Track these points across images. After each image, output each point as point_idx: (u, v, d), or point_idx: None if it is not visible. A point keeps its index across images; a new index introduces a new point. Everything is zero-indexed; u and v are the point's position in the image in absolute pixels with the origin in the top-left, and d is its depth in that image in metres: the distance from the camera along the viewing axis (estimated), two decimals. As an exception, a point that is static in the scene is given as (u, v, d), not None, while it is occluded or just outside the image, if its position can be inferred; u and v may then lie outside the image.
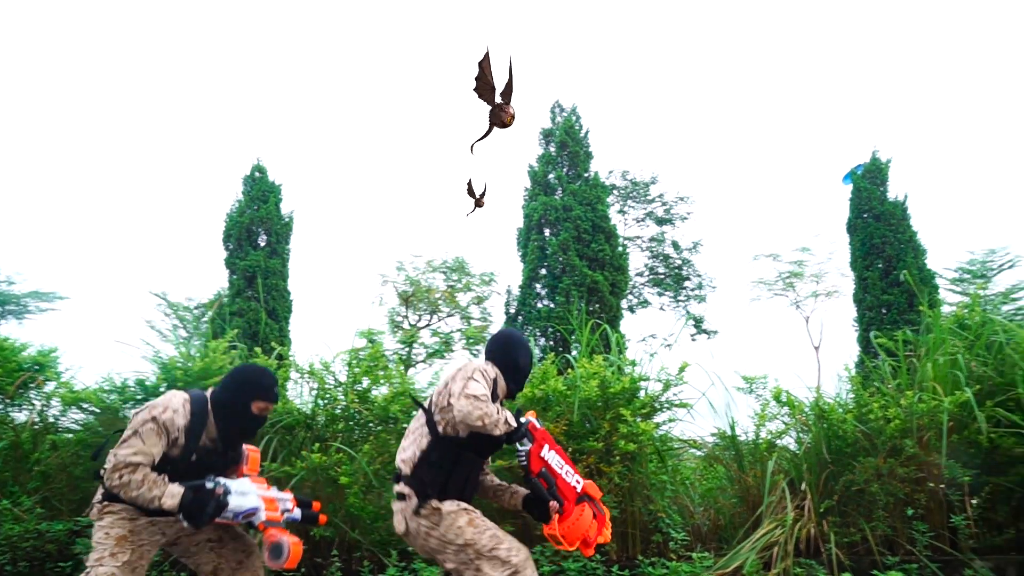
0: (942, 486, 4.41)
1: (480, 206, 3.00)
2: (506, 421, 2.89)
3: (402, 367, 5.46)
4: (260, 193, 13.88)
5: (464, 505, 2.95)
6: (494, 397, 3.07)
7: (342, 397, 4.85)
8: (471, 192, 2.96)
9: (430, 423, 3.03)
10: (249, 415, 2.97)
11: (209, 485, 2.76)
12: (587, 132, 15.69)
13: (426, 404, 3.11)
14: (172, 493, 2.71)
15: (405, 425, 4.70)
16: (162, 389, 4.73)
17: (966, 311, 5.27)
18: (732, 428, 4.93)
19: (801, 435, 4.88)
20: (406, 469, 3.01)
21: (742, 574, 3.96)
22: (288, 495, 3.06)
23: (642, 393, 4.68)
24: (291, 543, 2.84)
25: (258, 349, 5.25)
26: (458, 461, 3.00)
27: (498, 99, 2.42)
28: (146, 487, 2.70)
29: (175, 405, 2.84)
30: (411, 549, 4.35)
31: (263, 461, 4.30)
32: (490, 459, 3.32)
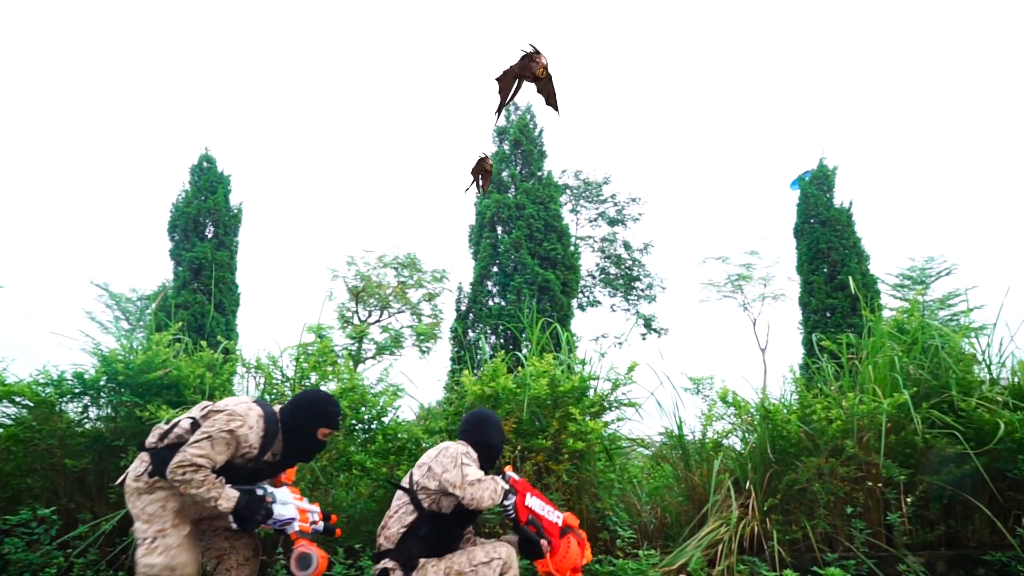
0: (880, 485, 4.53)
1: (481, 187, 2.99)
2: (501, 487, 3.26)
3: (351, 363, 5.37)
4: (208, 183, 13.56)
5: (453, 569, 3.20)
6: None
7: (289, 392, 4.76)
8: (480, 169, 2.92)
9: (415, 501, 3.30)
10: (314, 440, 3.21)
11: (259, 492, 2.99)
12: (541, 131, 15.73)
13: (404, 484, 3.40)
14: (228, 496, 2.91)
15: (353, 422, 4.66)
16: (102, 382, 4.58)
17: (905, 316, 5.42)
18: (679, 428, 4.99)
19: (746, 435, 4.95)
20: (389, 545, 3.27)
21: (687, 571, 4.00)
22: (316, 507, 3.28)
23: (591, 392, 4.69)
24: (319, 556, 3.05)
25: (204, 343, 5.11)
26: (444, 535, 3.29)
27: (528, 49, 2.39)
28: (205, 487, 2.87)
29: (251, 421, 3.02)
30: (357, 545, 4.30)
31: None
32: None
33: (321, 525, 3.24)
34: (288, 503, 3.12)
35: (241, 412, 3.01)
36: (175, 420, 3.13)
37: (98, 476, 4.60)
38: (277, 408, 3.22)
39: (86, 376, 4.58)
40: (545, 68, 2.38)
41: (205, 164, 13.78)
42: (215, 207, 13.34)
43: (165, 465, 2.93)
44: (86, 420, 4.81)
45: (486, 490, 3.17)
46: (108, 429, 4.68)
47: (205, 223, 13.38)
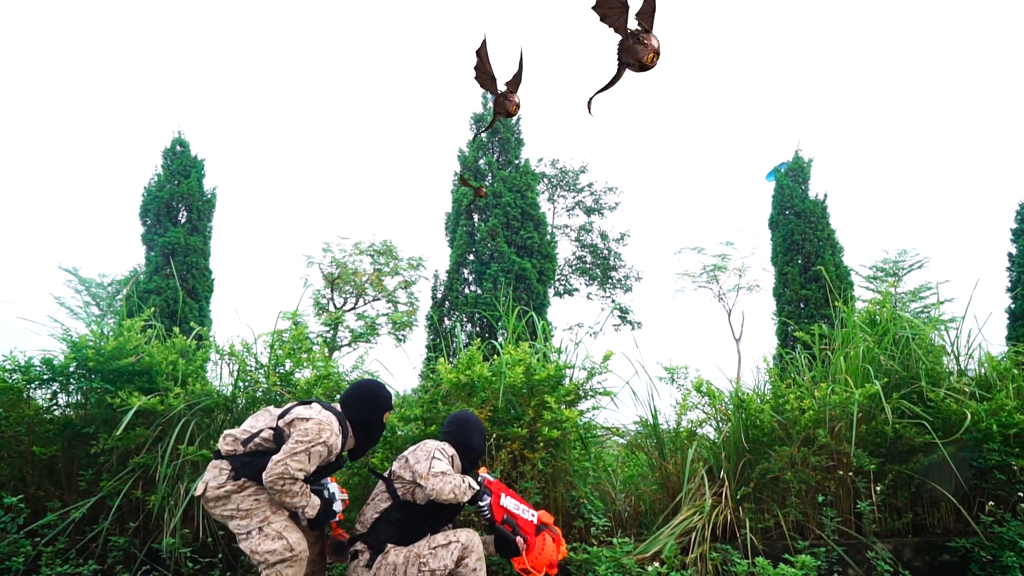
0: (850, 474, 4.59)
1: (480, 196, 3.03)
2: (470, 486, 3.35)
3: (326, 350, 5.33)
4: (181, 167, 13.37)
5: (412, 552, 3.29)
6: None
7: (263, 379, 4.71)
8: (469, 185, 2.97)
9: (390, 489, 3.43)
10: (382, 425, 3.49)
11: (327, 494, 3.25)
12: (519, 118, 15.68)
13: (385, 474, 3.53)
14: (314, 504, 3.16)
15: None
16: (71, 368, 4.50)
17: (877, 308, 5.49)
18: (654, 417, 5.01)
19: (720, 424, 5.00)
20: (363, 530, 3.40)
21: (661, 559, 4.03)
22: (345, 494, 3.45)
23: (567, 381, 4.70)
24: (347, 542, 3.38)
25: (176, 329, 5.04)
26: (415, 524, 3.38)
27: (502, 88, 2.31)
28: (299, 497, 3.09)
29: (336, 428, 3.19)
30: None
31: (180, 444, 4.17)
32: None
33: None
34: (338, 498, 3.35)
35: (326, 421, 3.16)
36: (254, 428, 3.23)
37: (67, 463, 4.53)
38: (336, 406, 3.39)
39: (55, 362, 4.49)
40: (518, 107, 2.21)
41: (178, 148, 13.58)
42: (188, 191, 13.15)
43: (249, 469, 3.13)
44: (55, 407, 4.73)
45: (448, 483, 3.25)
46: (78, 416, 4.61)
47: (178, 208, 13.20)
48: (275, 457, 3.06)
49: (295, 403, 3.33)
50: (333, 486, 3.36)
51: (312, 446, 3.07)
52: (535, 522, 3.47)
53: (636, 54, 1.89)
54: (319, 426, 3.11)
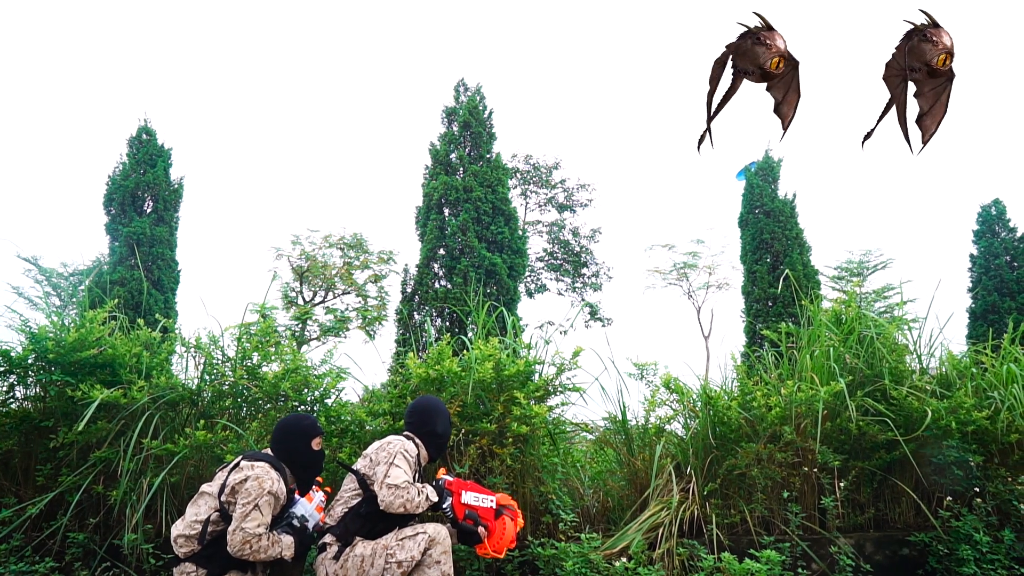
0: (815, 470, 4.66)
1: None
2: (427, 498, 3.39)
3: (294, 344, 5.27)
4: (147, 157, 13.13)
5: (380, 544, 3.31)
6: (419, 466, 3.59)
7: (230, 373, 4.64)
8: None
9: (361, 483, 3.44)
10: (314, 454, 3.43)
11: (296, 524, 3.26)
12: (491, 113, 15.63)
13: (355, 467, 3.53)
14: (287, 545, 3.17)
15: (295, 403, 4.58)
16: (30, 360, 4.39)
17: (843, 307, 5.56)
18: (623, 413, 5.03)
19: (688, 421, 5.03)
20: (332, 523, 3.41)
21: (628, 554, 4.05)
22: (321, 495, 3.48)
23: (536, 376, 4.70)
24: None
25: (141, 321, 4.94)
26: (383, 518, 3.39)
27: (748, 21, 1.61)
28: (271, 548, 3.10)
29: (273, 475, 3.19)
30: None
31: (143, 438, 4.09)
32: None
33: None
34: (309, 509, 3.34)
35: (262, 472, 3.16)
36: (199, 517, 3.20)
37: (24, 458, 4.42)
38: (266, 451, 3.41)
39: (12, 354, 4.38)
40: (782, 57, 1.56)
41: (144, 136, 13.33)
42: (155, 181, 12.94)
43: (217, 562, 3.13)
44: (11, 400, 4.61)
45: (399, 497, 3.27)
46: (36, 409, 4.50)
47: (144, 197, 12.97)
48: (230, 528, 3.06)
49: (222, 470, 3.31)
50: (299, 505, 3.34)
51: (259, 500, 3.09)
52: (494, 506, 3.57)
53: (924, 55, 1.45)
54: (257, 480, 3.11)
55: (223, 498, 3.16)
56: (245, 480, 3.12)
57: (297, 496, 3.38)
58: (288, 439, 3.39)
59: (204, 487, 3.30)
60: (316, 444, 3.43)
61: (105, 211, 12.77)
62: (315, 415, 4.49)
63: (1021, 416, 4.75)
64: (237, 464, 3.25)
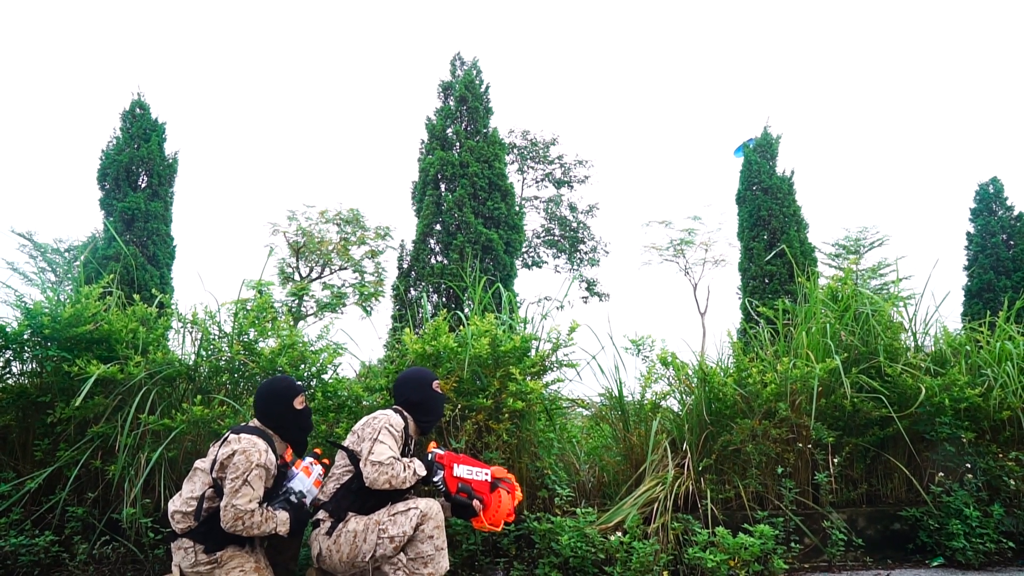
0: (809, 446, 4.69)
1: None
2: (414, 472, 3.38)
3: (291, 320, 5.26)
4: (141, 131, 13.03)
5: (372, 519, 3.31)
6: (408, 439, 3.59)
7: (227, 348, 4.64)
8: None
9: (352, 460, 3.43)
10: (298, 413, 3.41)
11: (293, 499, 3.25)
12: (488, 87, 15.50)
13: (344, 444, 3.51)
14: (283, 520, 3.16)
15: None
16: (26, 336, 4.38)
17: (839, 284, 5.57)
18: (619, 389, 5.05)
19: (684, 397, 5.05)
20: (325, 499, 3.41)
21: (624, 528, 4.09)
22: (319, 468, 3.46)
23: (532, 352, 4.71)
24: None
25: (137, 296, 4.93)
26: (375, 494, 3.38)
27: None
28: (265, 523, 3.09)
29: (261, 446, 3.17)
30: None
31: (140, 414, 4.10)
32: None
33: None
34: (307, 484, 3.34)
35: (248, 444, 3.13)
36: (194, 493, 3.18)
37: (22, 433, 4.43)
38: (253, 422, 3.39)
39: (8, 329, 4.37)
40: None
41: (138, 110, 13.22)
42: (149, 156, 12.85)
43: (214, 538, 3.11)
44: (8, 375, 4.61)
45: (383, 474, 3.27)
46: (33, 385, 4.50)
47: (138, 172, 12.89)
48: (222, 504, 3.06)
49: (215, 445, 3.29)
50: (297, 480, 3.33)
51: (248, 475, 3.07)
52: (489, 479, 3.58)
53: None
54: (244, 454, 3.10)
55: (215, 474, 3.16)
56: (232, 455, 3.11)
57: (296, 470, 3.37)
58: (269, 405, 3.37)
59: (198, 463, 3.28)
60: (298, 403, 3.41)
61: (99, 186, 12.68)
62: (312, 389, 4.50)
63: (1013, 394, 4.79)
64: (226, 438, 3.24)
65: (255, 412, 3.40)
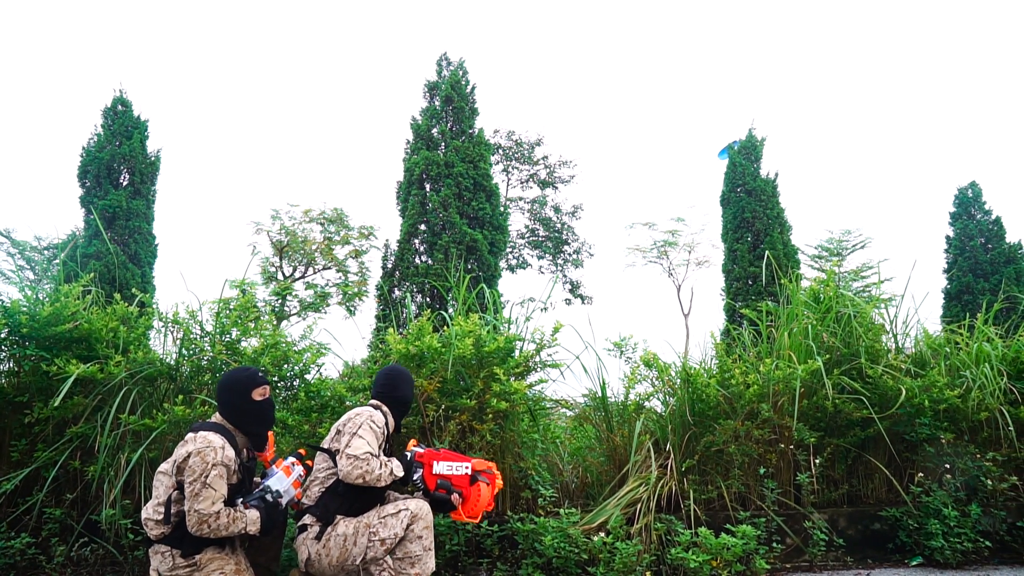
0: (791, 447, 4.72)
1: None
2: (391, 472, 3.35)
3: (274, 319, 5.23)
4: (123, 128, 12.89)
5: (362, 522, 3.30)
6: (388, 436, 3.58)
7: (209, 348, 4.60)
8: None
9: (335, 461, 3.37)
10: (257, 405, 3.27)
11: (269, 498, 3.17)
12: (474, 88, 15.49)
13: (324, 445, 3.47)
14: (253, 520, 3.06)
15: (275, 379, 4.56)
16: (3, 335, 4.32)
17: (821, 286, 5.61)
18: (603, 390, 5.06)
19: (667, 398, 5.07)
20: (310, 503, 3.37)
21: (607, 529, 4.10)
22: (300, 468, 3.39)
23: (516, 353, 4.71)
24: None
25: (117, 295, 4.88)
26: (361, 495, 3.37)
27: None
28: (232, 524, 2.98)
29: (216, 442, 3.05)
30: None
31: (121, 414, 4.05)
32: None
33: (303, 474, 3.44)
34: (285, 484, 3.26)
35: (202, 443, 3.02)
36: (161, 499, 3.09)
37: (-1, 433, 4.38)
38: (215, 416, 3.28)
39: (-15, 327, 4.31)
40: None
41: (120, 107, 13.09)
42: (131, 153, 12.72)
43: (188, 540, 3.02)
44: (-16, 375, 4.54)
45: (357, 468, 3.23)
46: (10, 384, 4.44)
47: (120, 170, 12.76)
48: (185, 509, 2.98)
49: (179, 445, 3.19)
50: (275, 479, 3.25)
51: (205, 477, 2.95)
52: (469, 473, 3.58)
53: None
54: (200, 455, 2.97)
55: (176, 477, 3.06)
56: (188, 457, 3.00)
57: (276, 468, 3.31)
58: (227, 397, 3.24)
59: (161, 466, 3.17)
60: (258, 395, 3.27)
61: (80, 183, 12.54)
62: (295, 389, 4.47)
63: (991, 395, 4.85)
64: (185, 438, 3.14)
65: (217, 405, 3.30)
